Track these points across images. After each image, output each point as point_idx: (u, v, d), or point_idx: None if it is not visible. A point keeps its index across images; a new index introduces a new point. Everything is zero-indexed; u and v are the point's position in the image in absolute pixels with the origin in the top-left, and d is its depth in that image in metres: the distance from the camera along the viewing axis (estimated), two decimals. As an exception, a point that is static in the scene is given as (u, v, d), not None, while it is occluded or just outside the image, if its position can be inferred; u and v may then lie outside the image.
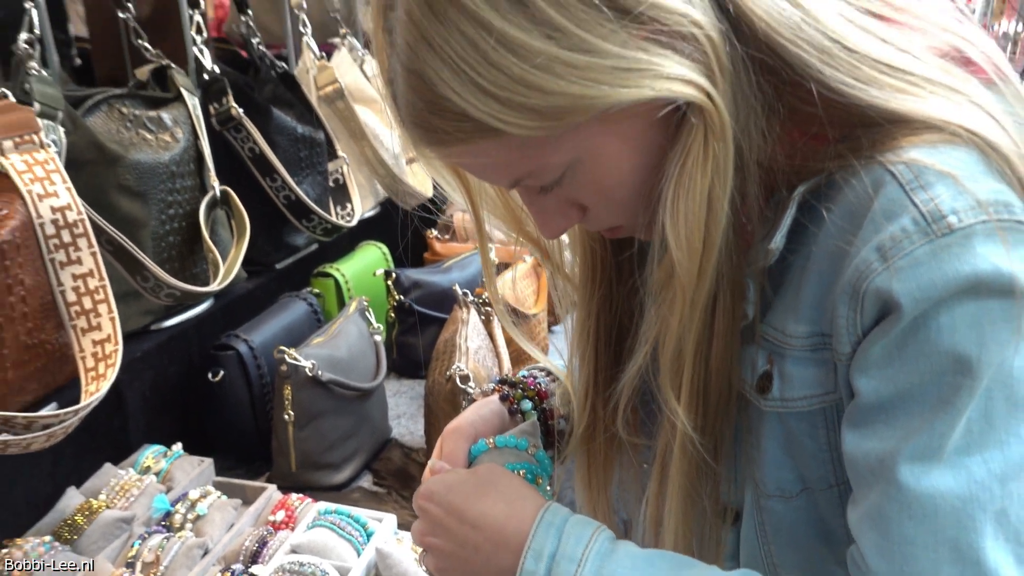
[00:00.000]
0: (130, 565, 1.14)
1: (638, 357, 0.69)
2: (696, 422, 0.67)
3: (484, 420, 0.86)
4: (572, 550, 0.64)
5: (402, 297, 1.85)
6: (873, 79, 0.59)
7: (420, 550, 0.73)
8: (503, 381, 0.91)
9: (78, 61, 2.37)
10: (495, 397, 0.89)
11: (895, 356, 0.55)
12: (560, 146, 0.60)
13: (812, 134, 0.61)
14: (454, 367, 1.39)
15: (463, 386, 1.37)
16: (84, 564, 1.12)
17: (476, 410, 0.87)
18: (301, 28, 2.04)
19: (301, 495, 1.31)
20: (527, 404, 0.89)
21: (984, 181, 0.55)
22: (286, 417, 1.40)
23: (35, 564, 1.08)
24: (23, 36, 1.28)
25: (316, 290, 1.79)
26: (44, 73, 1.29)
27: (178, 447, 1.36)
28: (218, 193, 1.53)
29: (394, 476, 1.51)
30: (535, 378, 0.92)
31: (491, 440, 0.80)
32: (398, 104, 0.62)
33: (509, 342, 1.72)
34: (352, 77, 2.13)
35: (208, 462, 1.36)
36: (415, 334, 1.86)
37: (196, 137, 1.53)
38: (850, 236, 0.57)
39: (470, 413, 0.87)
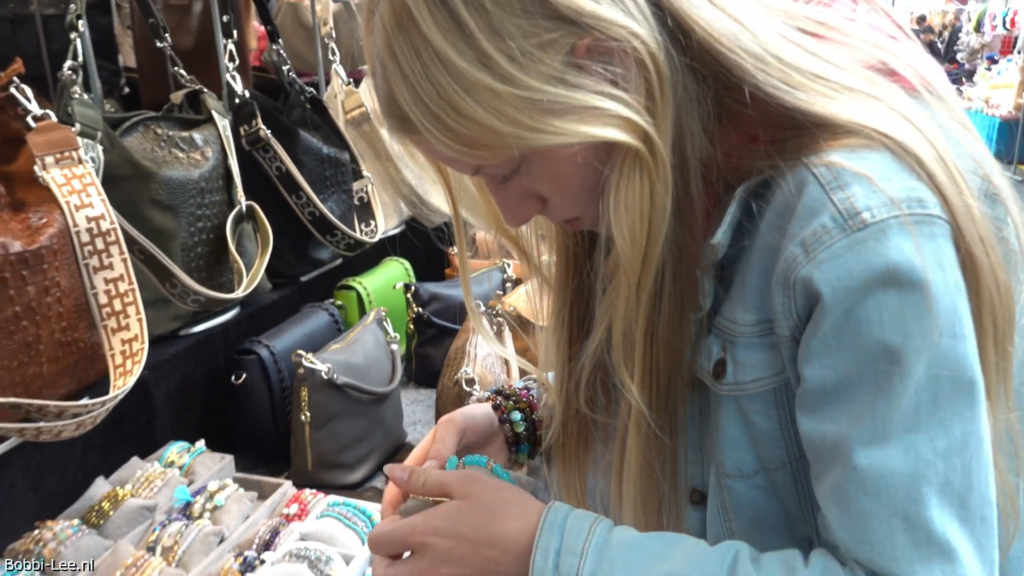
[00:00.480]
0: (150, 549, 1.22)
1: (594, 337, 0.75)
2: (649, 399, 0.72)
3: (474, 420, 0.91)
4: (573, 544, 0.68)
5: (421, 309, 1.93)
6: (801, 84, 0.65)
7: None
8: (499, 392, 0.98)
9: (127, 90, 2.53)
10: (488, 405, 0.95)
11: (832, 347, 0.61)
12: (501, 153, 0.66)
13: (748, 135, 0.68)
14: (461, 371, 1.45)
15: (468, 389, 1.43)
16: (108, 547, 1.20)
17: (471, 409, 0.93)
18: (330, 56, 2.16)
19: (315, 491, 1.38)
20: (516, 415, 0.95)
21: (897, 180, 0.61)
22: (303, 418, 1.48)
23: (64, 544, 1.16)
24: (68, 63, 1.40)
25: (339, 302, 1.88)
26: (86, 97, 1.41)
27: (201, 444, 1.45)
28: (244, 208, 1.63)
29: (406, 477, 1.57)
30: (529, 390, 0.98)
31: (461, 461, 0.82)
32: (378, 94, 0.70)
33: (522, 352, 1.78)
34: (379, 102, 2.24)
35: (228, 458, 1.44)
36: (433, 345, 1.93)
37: (225, 156, 1.63)
38: (781, 232, 0.64)
39: (465, 410, 0.93)
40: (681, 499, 0.77)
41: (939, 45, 9.19)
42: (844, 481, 0.62)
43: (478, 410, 0.94)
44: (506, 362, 1.64)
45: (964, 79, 7.89)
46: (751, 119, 0.66)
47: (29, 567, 1.13)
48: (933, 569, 0.59)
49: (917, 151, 0.61)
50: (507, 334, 1.71)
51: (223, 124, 1.65)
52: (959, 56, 8.88)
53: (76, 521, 1.22)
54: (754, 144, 0.67)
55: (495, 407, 0.95)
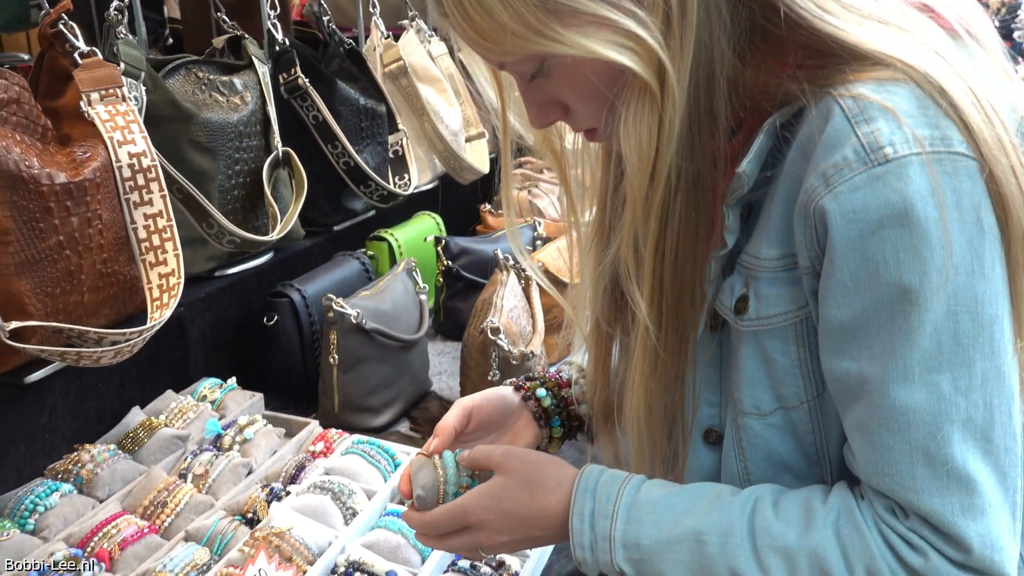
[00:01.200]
0: (182, 476, 1.27)
1: (610, 249, 0.76)
2: (656, 317, 0.73)
3: (487, 399, 0.94)
4: (604, 507, 0.72)
5: (450, 263, 1.95)
6: (834, 10, 0.65)
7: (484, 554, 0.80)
8: (527, 378, 1.00)
9: (170, 40, 2.56)
10: (510, 387, 0.98)
11: (848, 287, 0.62)
12: (514, 51, 0.67)
13: (779, 59, 0.67)
14: (487, 321, 1.48)
15: (494, 338, 1.46)
16: (142, 471, 1.25)
17: (487, 391, 0.96)
18: (370, 9, 2.17)
19: (341, 431, 1.41)
20: (542, 391, 0.97)
21: (923, 117, 0.60)
22: (331, 361, 1.52)
23: (100, 466, 1.22)
24: (114, 4, 1.43)
25: (370, 252, 1.91)
26: (131, 37, 1.44)
27: (232, 381, 1.49)
28: (281, 154, 1.66)
29: (430, 424, 1.60)
30: (560, 372, 1.00)
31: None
32: None
33: (547, 310, 1.80)
34: (418, 57, 2.25)
35: (258, 396, 1.49)
36: (461, 299, 1.96)
37: (264, 102, 1.66)
38: (805, 163, 0.64)
39: (482, 392, 0.96)
40: (694, 433, 0.78)
41: (995, 22, 8.94)
42: (867, 417, 0.63)
43: (496, 391, 0.97)
44: (532, 315, 1.66)
45: (1020, 58, 7.67)
46: (783, 42, 0.66)
47: (69, 485, 1.18)
48: (952, 500, 0.60)
49: (947, 87, 0.61)
50: (535, 289, 1.73)
51: (263, 71, 1.68)
52: (1016, 35, 8.63)
53: (112, 446, 1.27)
54: (784, 68, 0.66)
55: (517, 388, 0.98)
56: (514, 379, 0.99)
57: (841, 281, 0.62)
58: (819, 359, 0.68)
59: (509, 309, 1.55)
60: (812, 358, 0.68)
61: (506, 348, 1.46)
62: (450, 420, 0.89)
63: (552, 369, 1.02)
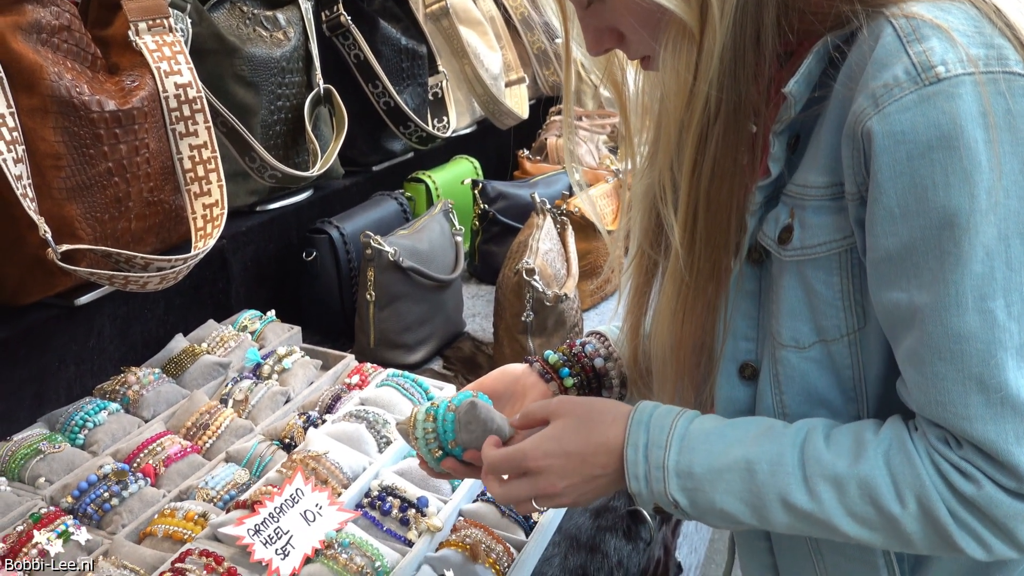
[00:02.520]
0: (223, 401, 1.31)
1: (650, 171, 0.77)
2: (687, 241, 0.73)
3: (490, 375, 0.98)
4: (658, 437, 0.73)
5: (487, 206, 1.96)
6: None
7: (539, 506, 0.81)
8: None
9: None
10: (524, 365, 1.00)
11: (896, 216, 0.61)
12: None
13: None
14: (523, 262, 1.49)
15: (528, 279, 1.47)
16: (185, 395, 1.30)
17: (496, 371, 0.99)
18: (414, -53, 2.15)
19: (376, 365, 1.44)
20: (549, 352, 0.99)
21: (978, 36, 0.59)
22: (368, 297, 1.54)
23: (146, 388, 1.26)
24: (161, -66, 1.43)
25: (408, 193, 1.92)
26: (177, -31, 1.45)
27: (271, 314, 1.53)
28: (322, 91, 1.67)
29: (462, 363, 1.63)
30: (585, 345, 1.00)
31: (451, 401, 0.88)
32: None
33: (581, 256, 1.80)
34: (460, -1, 2.23)
35: (296, 329, 1.52)
36: (497, 243, 1.97)
37: (306, 38, 1.66)
38: (854, 85, 0.63)
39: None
40: (729, 367, 0.78)
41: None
42: (920, 347, 0.62)
43: (501, 368, 1.00)
44: (567, 258, 1.67)
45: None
46: None
47: (116, 404, 1.23)
48: (1006, 427, 0.60)
49: (1003, 6, 0.59)
50: (570, 233, 1.73)
51: (306, 7, 1.68)
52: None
53: (157, 370, 1.31)
54: None
55: (525, 360, 1.00)
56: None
57: (888, 207, 0.61)
58: (862, 291, 0.67)
59: (544, 252, 1.56)
60: (855, 290, 0.68)
61: (540, 289, 1.47)
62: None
63: (580, 341, 1.03)
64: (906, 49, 0.59)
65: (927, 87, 0.58)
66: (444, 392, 1.36)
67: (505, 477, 0.81)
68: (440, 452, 0.87)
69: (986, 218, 0.58)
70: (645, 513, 1.24)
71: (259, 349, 1.43)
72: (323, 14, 1.76)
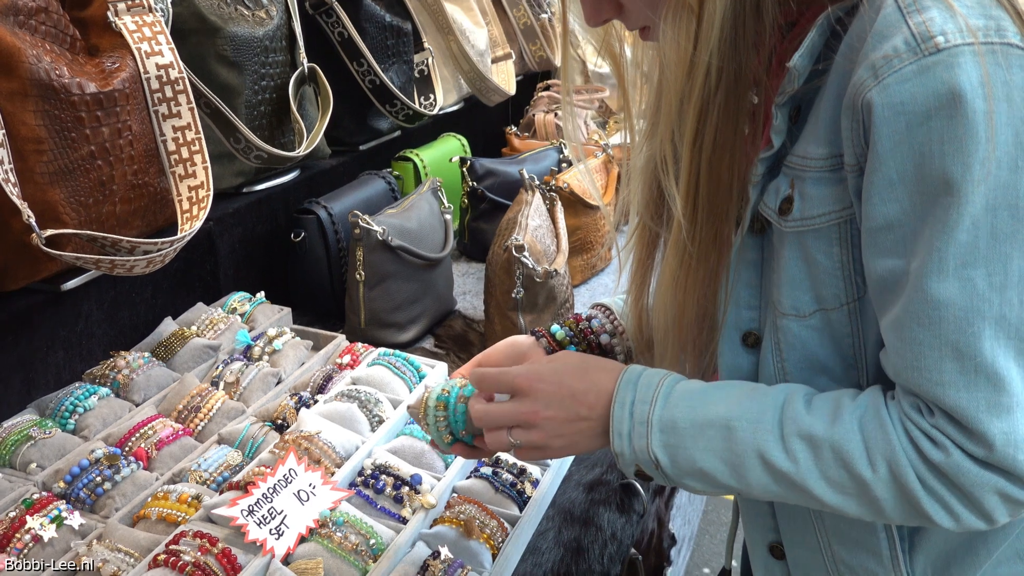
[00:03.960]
0: (214, 383, 1.31)
1: (653, 143, 0.77)
2: (688, 211, 0.74)
3: (495, 347, 0.99)
4: (644, 395, 0.74)
5: (475, 184, 1.95)
6: None
7: (514, 439, 0.80)
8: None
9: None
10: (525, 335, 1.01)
11: (895, 183, 0.61)
12: None
13: None
14: (512, 238, 1.48)
15: (518, 255, 1.47)
16: (175, 378, 1.29)
17: (500, 343, 1.00)
18: (396, -78, 2.12)
19: (367, 345, 1.44)
20: (555, 327, 1.00)
21: (978, 7, 0.59)
22: (358, 277, 1.54)
23: (136, 372, 1.26)
24: (137, -88, 1.41)
25: (395, 172, 1.91)
26: (155, -53, 1.43)
27: (261, 295, 1.52)
28: (306, 70, 1.65)
29: (453, 340, 1.63)
30: (590, 320, 1.02)
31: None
32: None
33: (571, 231, 1.80)
34: (443, -27, 2.20)
35: (286, 310, 1.52)
36: (486, 220, 1.96)
37: (289, 17, 1.64)
38: (854, 56, 0.63)
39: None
40: (732, 335, 0.78)
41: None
42: (902, 312, 0.63)
43: (507, 340, 1.01)
44: (556, 234, 1.67)
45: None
46: None
47: (106, 389, 1.23)
48: (978, 395, 0.60)
49: None
50: (559, 209, 1.73)
51: (287, -16, 1.66)
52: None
53: (147, 353, 1.31)
54: None
55: (532, 333, 1.01)
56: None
57: (887, 176, 0.61)
58: (861, 261, 0.67)
59: (534, 228, 1.55)
60: (854, 260, 0.68)
61: (530, 266, 1.47)
62: (462, 371, 0.93)
63: (584, 314, 1.04)
64: (906, 20, 0.59)
65: (927, 57, 0.58)
66: (436, 371, 1.36)
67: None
68: (451, 438, 0.89)
69: (977, 188, 0.58)
70: (638, 485, 1.24)
71: (249, 331, 1.43)
72: (305, -9, 1.75)
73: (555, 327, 1.01)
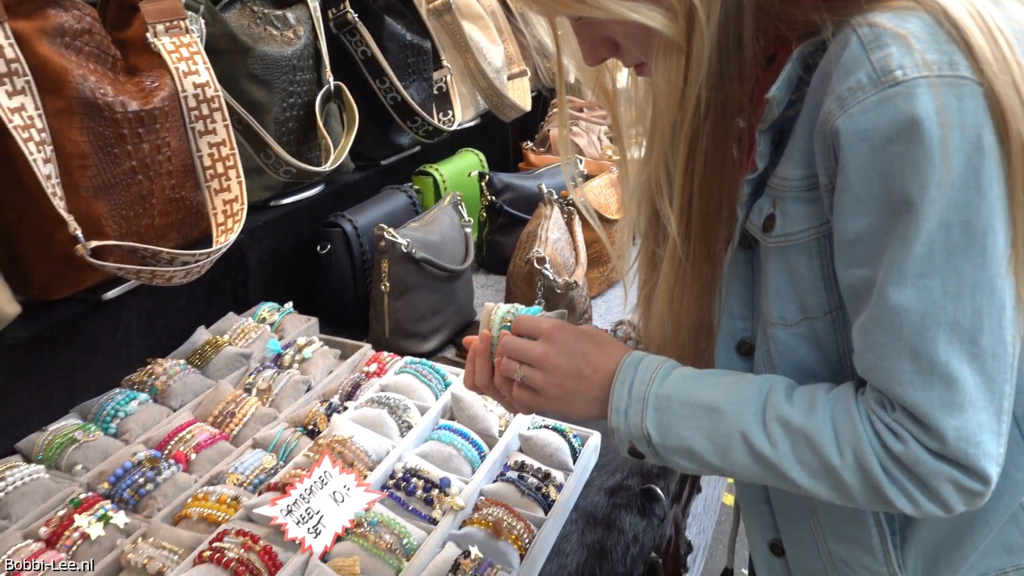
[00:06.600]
0: (247, 390, 1.35)
1: (647, 167, 0.83)
2: (683, 230, 0.80)
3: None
4: (643, 376, 0.81)
5: (494, 198, 2.00)
6: None
7: (519, 372, 0.88)
8: None
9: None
10: None
11: (862, 200, 0.67)
12: (563, 12, 0.74)
13: None
14: (533, 251, 1.53)
15: (539, 267, 1.51)
16: (210, 384, 1.34)
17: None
18: (415, -56, 2.18)
19: (393, 354, 1.48)
20: None
21: (933, 43, 0.64)
22: (382, 288, 1.58)
23: (172, 379, 1.30)
24: (173, -63, 1.47)
25: (416, 186, 1.96)
26: (189, -29, 1.48)
27: (289, 305, 1.57)
28: (332, 87, 1.70)
29: (475, 350, 1.67)
30: (615, 330, 1.07)
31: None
32: None
33: (588, 244, 1.84)
34: (462, -6, 2.26)
35: (314, 320, 1.56)
36: (504, 233, 2.01)
37: (315, 36, 1.70)
38: (824, 88, 0.69)
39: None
40: (727, 344, 0.84)
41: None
42: (867, 317, 0.69)
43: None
44: (575, 247, 1.71)
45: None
46: None
47: (144, 394, 1.27)
48: (933, 394, 0.66)
49: (958, 17, 0.64)
50: (577, 223, 1.77)
51: (313, 5, 1.71)
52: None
53: (183, 361, 1.36)
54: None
55: None
56: None
57: (855, 194, 0.67)
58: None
59: (554, 241, 1.60)
60: (833, 272, 0.73)
61: (551, 277, 1.52)
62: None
63: (604, 298, 1.08)
64: (868, 55, 0.65)
65: (887, 89, 0.63)
66: (460, 380, 1.40)
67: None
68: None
69: (932, 206, 0.63)
70: (657, 490, 1.28)
71: (279, 340, 1.48)
72: (330, 12, 1.80)
73: None
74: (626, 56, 0.81)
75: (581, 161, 2.19)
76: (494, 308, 0.97)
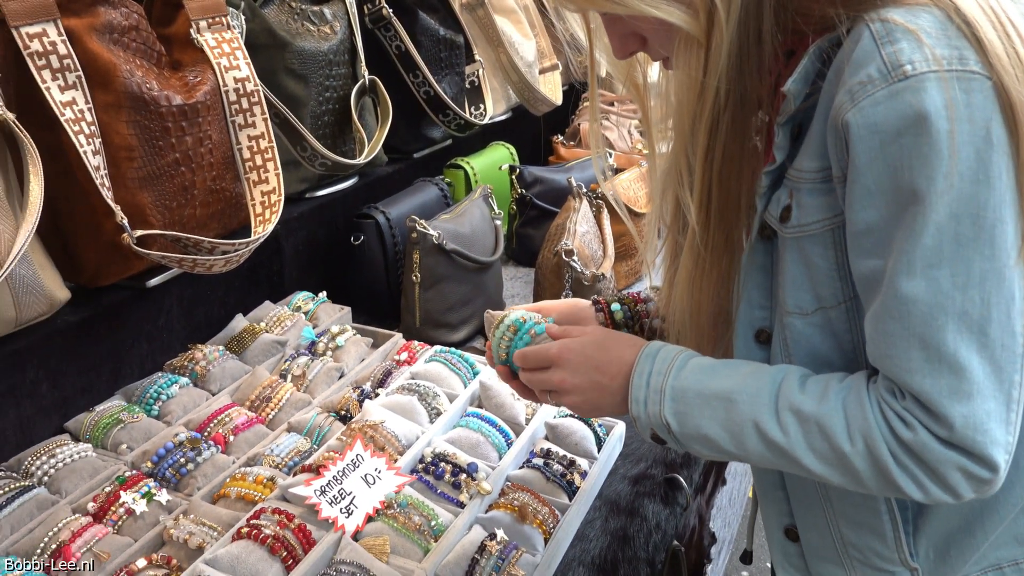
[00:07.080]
0: (282, 376, 1.40)
1: (669, 158, 0.85)
2: (702, 219, 0.82)
3: (561, 301, 1.09)
4: (661, 367, 0.83)
5: (524, 191, 2.03)
6: None
7: (552, 401, 0.95)
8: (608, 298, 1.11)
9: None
10: (588, 301, 1.09)
11: (872, 192, 0.69)
12: (591, 7, 0.77)
13: None
14: (561, 243, 1.55)
15: (568, 260, 1.54)
16: (247, 370, 1.39)
17: (565, 299, 1.09)
18: (449, -61, 2.21)
19: (423, 343, 1.52)
20: (616, 306, 1.09)
21: (943, 38, 0.66)
22: (414, 278, 1.62)
23: (212, 364, 1.35)
24: (215, -65, 1.51)
25: (447, 179, 2.00)
26: (230, -32, 1.53)
27: (323, 295, 1.61)
28: (367, 82, 1.74)
29: (503, 341, 1.71)
30: (639, 292, 1.11)
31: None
32: None
33: (616, 237, 1.87)
34: (494, -12, 2.29)
35: (347, 309, 1.61)
36: (534, 226, 2.04)
37: (351, 32, 1.74)
38: (837, 81, 0.70)
39: (560, 299, 1.09)
40: (746, 332, 0.86)
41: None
42: (879, 306, 0.71)
43: (573, 300, 1.10)
44: (603, 240, 1.73)
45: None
46: None
47: (185, 379, 1.32)
48: (941, 382, 0.67)
49: (969, 13, 0.66)
50: (605, 216, 1.79)
51: (350, 1, 1.75)
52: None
53: (221, 347, 1.40)
54: None
55: (594, 302, 1.09)
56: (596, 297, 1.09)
57: (865, 186, 0.68)
58: None
59: (582, 234, 1.62)
60: (847, 262, 0.75)
61: (579, 269, 1.54)
62: (522, 308, 1.03)
63: (633, 290, 1.11)
64: (879, 50, 0.66)
65: (896, 83, 0.65)
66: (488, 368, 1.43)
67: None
68: (505, 356, 0.99)
69: (941, 198, 0.65)
70: (680, 479, 1.30)
71: (313, 328, 1.52)
72: (365, 7, 1.84)
73: (615, 305, 1.09)
74: (653, 51, 0.83)
75: (611, 155, 2.21)
76: (495, 320, 1.00)
